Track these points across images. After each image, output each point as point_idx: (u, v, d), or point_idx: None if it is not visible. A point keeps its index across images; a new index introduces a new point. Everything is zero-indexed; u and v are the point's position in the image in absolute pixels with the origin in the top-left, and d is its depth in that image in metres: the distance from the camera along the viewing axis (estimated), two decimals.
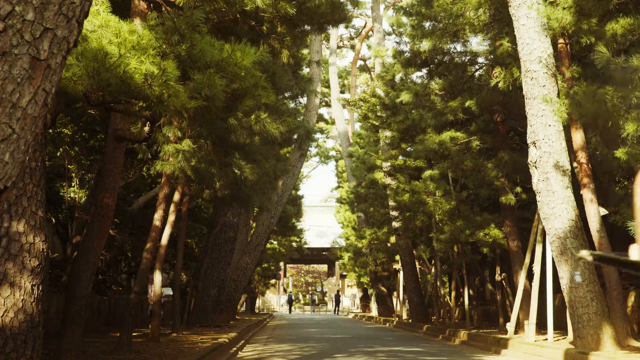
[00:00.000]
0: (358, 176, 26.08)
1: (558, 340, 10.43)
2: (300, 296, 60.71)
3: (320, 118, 40.99)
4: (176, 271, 13.82)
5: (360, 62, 39.35)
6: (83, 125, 12.93)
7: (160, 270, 11.28)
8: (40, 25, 2.25)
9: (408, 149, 17.97)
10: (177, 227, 14.51)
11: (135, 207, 15.41)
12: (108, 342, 9.64)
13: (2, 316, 4.81)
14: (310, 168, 57.03)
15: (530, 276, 11.58)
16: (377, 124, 19.94)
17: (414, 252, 21.22)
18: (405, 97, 14.10)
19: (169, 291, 13.73)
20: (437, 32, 12.99)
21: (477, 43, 22.72)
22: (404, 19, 16.48)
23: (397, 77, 16.95)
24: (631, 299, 10.79)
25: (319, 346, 11.57)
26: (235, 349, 10.43)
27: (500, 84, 11.20)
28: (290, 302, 46.41)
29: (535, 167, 8.92)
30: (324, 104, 38.42)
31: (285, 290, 52.23)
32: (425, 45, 13.78)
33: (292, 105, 18.33)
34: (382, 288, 28.36)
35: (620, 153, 8.04)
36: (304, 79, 18.20)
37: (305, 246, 40.45)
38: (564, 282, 8.72)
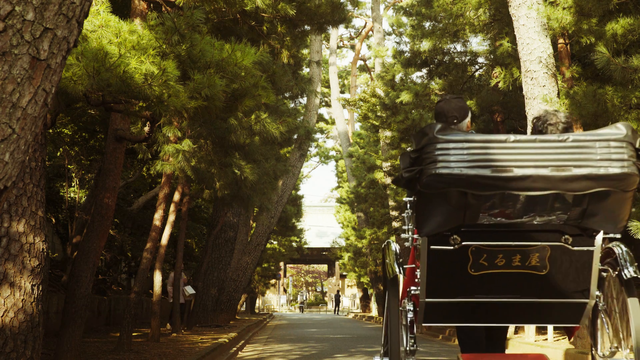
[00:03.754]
0: (358, 176, 26.07)
1: (558, 340, 10.44)
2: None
3: (320, 118, 40.98)
4: (176, 271, 13.83)
5: (360, 62, 39.35)
6: (83, 125, 12.94)
7: (161, 270, 11.28)
8: (40, 25, 2.25)
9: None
10: (177, 227, 14.52)
11: (135, 207, 15.41)
12: (108, 342, 9.65)
13: (2, 316, 4.81)
14: (310, 168, 57.13)
15: None
16: (377, 124, 19.93)
17: None
18: (405, 97, 14.09)
19: (191, 290, 14.93)
20: (437, 32, 13.00)
21: (477, 43, 22.73)
22: (404, 19, 16.49)
23: (397, 77, 16.95)
24: None
25: (319, 346, 11.57)
26: (235, 349, 10.43)
27: (500, 84, 11.20)
28: (302, 302, 48.05)
29: None
30: (324, 104, 38.40)
31: (285, 290, 52.38)
32: (425, 45, 13.79)
33: (292, 105, 18.35)
34: (382, 288, 28.35)
35: None
36: (304, 79, 18.21)
37: (305, 246, 40.44)
38: None
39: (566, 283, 3.02)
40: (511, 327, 11.82)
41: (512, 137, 2.70)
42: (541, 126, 3.69)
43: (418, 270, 3.14)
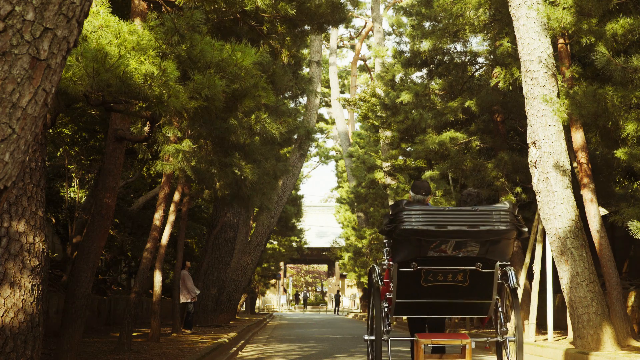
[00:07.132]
0: (358, 176, 26.06)
1: (558, 340, 10.44)
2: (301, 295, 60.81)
3: (320, 118, 40.96)
4: (176, 271, 13.82)
5: (360, 62, 39.34)
6: (83, 125, 12.93)
7: (161, 270, 11.27)
8: (40, 25, 2.25)
9: (408, 149, 17.97)
10: (177, 227, 14.52)
11: (135, 207, 15.40)
12: (108, 342, 9.65)
13: (2, 316, 4.81)
14: (310, 168, 57.04)
15: (530, 276, 11.58)
16: (377, 124, 19.93)
17: None
18: (405, 97, 14.09)
19: (197, 290, 14.99)
20: (437, 32, 12.99)
21: (477, 43, 22.71)
22: (404, 19, 16.49)
23: (397, 77, 16.95)
24: (631, 299, 10.79)
25: (319, 346, 11.57)
26: (235, 348, 10.43)
27: (500, 84, 11.19)
28: (305, 299, 48.54)
29: (535, 167, 8.92)
30: (324, 104, 38.39)
31: (285, 290, 52.39)
32: (425, 45, 13.78)
33: (292, 105, 18.34)
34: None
35: (620, 153, 8.03)
36: (304, 79, 18.20)
37: (305, 246, 40.41)
38: (564, 282, 8.72)
39: (478, 291, 5.06)
40: (510, 328, 11.83)
41: (447, 208, 4.80)
42: (464, 199, 5.79)
43: (391, 282, 5.11)
